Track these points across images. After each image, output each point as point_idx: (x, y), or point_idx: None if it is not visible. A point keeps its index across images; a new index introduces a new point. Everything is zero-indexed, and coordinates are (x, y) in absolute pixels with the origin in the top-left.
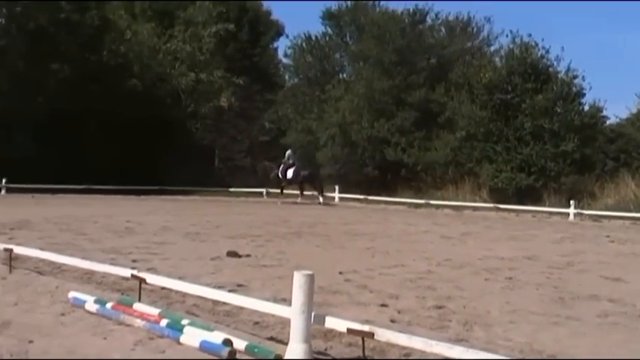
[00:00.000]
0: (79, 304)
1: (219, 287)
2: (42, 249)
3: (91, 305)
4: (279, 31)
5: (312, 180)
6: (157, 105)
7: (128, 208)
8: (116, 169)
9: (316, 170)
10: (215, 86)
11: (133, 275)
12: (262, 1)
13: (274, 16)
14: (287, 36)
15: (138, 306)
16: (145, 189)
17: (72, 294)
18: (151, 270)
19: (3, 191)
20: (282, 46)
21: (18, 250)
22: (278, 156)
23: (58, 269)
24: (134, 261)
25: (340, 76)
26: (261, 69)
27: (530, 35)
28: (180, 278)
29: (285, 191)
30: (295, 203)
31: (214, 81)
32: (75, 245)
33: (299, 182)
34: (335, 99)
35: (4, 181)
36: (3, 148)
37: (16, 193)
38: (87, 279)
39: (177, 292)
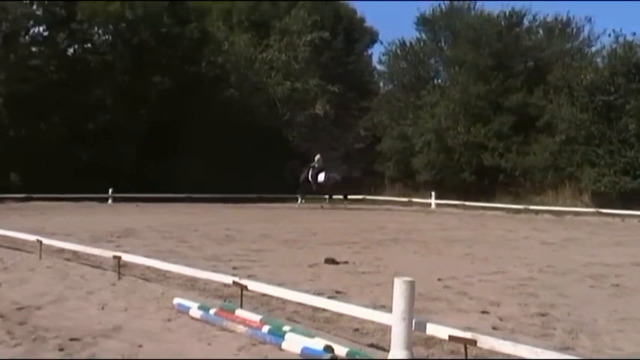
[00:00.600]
0: (184, 310)
1: (318, 294)
2: (147, 256)
3: (195, 311)
4: (373, 38)
5: (340, 185)
6: (254, 114)
7: (227, 216)
8: (215, 178)
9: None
10: (310, 94)
11: (234, 282)
12: (356, 3)
13: (368, 23)
14: (381, 42)
15: (240, 312)
16: (242, 197)
17: (177, 300)
18: (251, 277)
19: (110, 201)
20: (376, 52)
21: (126, 257)
22: (372, 162)
23: (163, 276)
24: (234, 268)
25: (435, 81)
26: (356, 76)
27: (634, 34)
28: (280, 285)
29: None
30: (345, 208)
31: (309, 89)
32: (177, 253)
33: (329, 186)
34: (430, 105)
35: (110, 191)
36: (109, 159)
37: (122, 203)
38: (190, 286)
39: (277, 298)
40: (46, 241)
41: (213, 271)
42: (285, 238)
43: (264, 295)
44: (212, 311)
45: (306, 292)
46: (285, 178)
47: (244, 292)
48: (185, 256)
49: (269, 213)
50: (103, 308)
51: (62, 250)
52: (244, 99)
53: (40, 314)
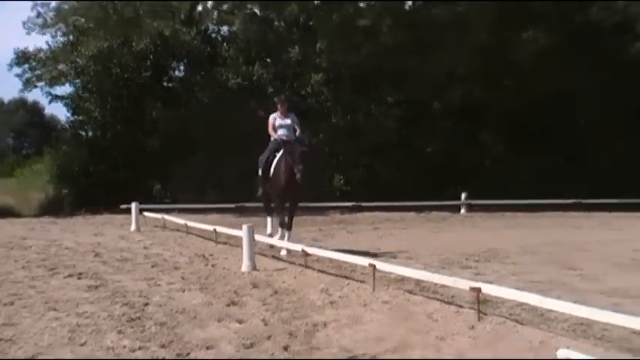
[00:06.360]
0: None
1: None
2: (518, 289)
3: None
4: None
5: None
6: None
7: (636, 229)
8: (618, 174)
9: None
10: None
11: None
12: None
13: None
14: None
15: None
16: None
17: (562, 353)
18: None
19: (463, 210)
20: None
21: (488, 289)
22: None
23: (541, 317)
24: None
25: None
26: None
27: None
28: None
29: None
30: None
31: None
32: (562, 284)
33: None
34: None
35: (463, 196)
36: (463, 151)
37: (480, 212)
38: (581, 332)
39: None
40: (380, 265)
41: (615, 311)
42: None
43: None
44: None
45: None
46: None
47: None
48: (573, 289)
49: None
50: None
51: (402, 279)
52: None
53: None
